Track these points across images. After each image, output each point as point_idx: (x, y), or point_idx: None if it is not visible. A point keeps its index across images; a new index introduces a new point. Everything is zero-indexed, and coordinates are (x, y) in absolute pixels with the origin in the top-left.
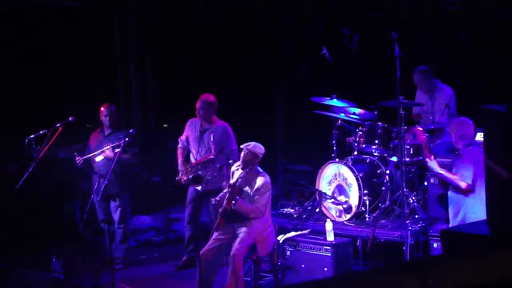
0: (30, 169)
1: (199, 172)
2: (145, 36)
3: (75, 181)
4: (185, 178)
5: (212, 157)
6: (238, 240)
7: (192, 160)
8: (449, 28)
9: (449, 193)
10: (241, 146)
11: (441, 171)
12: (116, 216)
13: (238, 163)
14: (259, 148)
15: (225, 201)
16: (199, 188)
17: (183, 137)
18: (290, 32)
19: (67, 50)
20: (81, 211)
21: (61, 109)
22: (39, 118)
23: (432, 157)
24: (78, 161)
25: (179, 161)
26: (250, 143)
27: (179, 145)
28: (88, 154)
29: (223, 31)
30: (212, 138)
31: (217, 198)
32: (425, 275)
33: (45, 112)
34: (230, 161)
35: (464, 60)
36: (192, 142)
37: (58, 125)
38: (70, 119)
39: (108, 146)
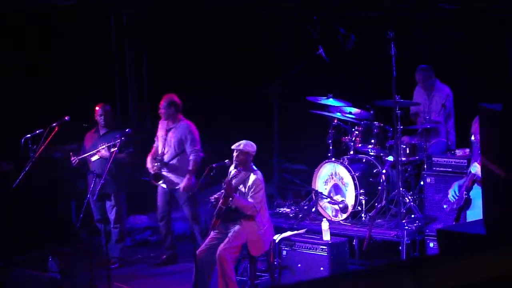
0: (27, 169)
1: (162, 171)
2: (141, 36)
3: (71, 181)
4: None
5: (149, 157)
6: (226, 240)
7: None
8: (445, 27)
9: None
10: (232, 147)
11: None
12: (111, 215)
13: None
14: (250, 146)
15: (220, 200)
16: (164, 185)
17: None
18: (286, 32)
19: (63, 49)
20: (77, 211)
21: (58, 108)
22: (35, 117)
23: None
24: (74, 161)
25: (148, 158)
26: (240, 142)
27: (155, 144)
28: (84, 154)
29: (219, 31)
30: (165, 137)
31: (215, 196)
32: (421, 274)
33: (41, 112)
34: (226, 161)
35: (460, 59)
36: (159, 140)
37: (54, 124)
38: (66, 118)
39: (104, 146)
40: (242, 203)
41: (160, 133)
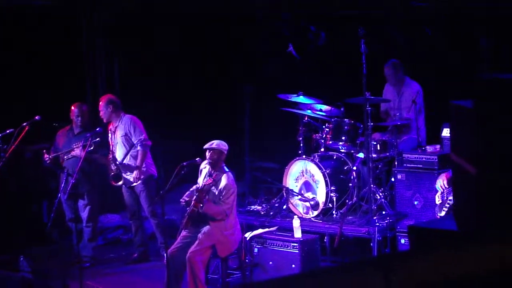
0: None
1: (122, 172)
2: (113, 35)
3: (43, 180)
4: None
5: (110, 157)
6: (196, 242)
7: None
8: (418, 25)
9: None
10: (205, 147)
11: None
12: (84, 214)
13: (206, 161)
14: (223, 145)
15: (193, 202)
16: (120, 183)
17: None
18: (257, 30)
19: (34, 49)
20: (49, 210)
21: (28, 107)
22: (4, 117)
23: None
24: (47, 159)
25: (109, 158)
26: (212, 142)
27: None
28: (55, 152)
29: (190, 31)
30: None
31: (186, 198)
32: (392, 271)
33: (12, 111)
34: (197, 159)
35: (432, 57)
36: (111, 143)
37: (24, 124)
38: (36, 118)
39: (79, 145)
40: (213, 210)
41: (110, 136)
